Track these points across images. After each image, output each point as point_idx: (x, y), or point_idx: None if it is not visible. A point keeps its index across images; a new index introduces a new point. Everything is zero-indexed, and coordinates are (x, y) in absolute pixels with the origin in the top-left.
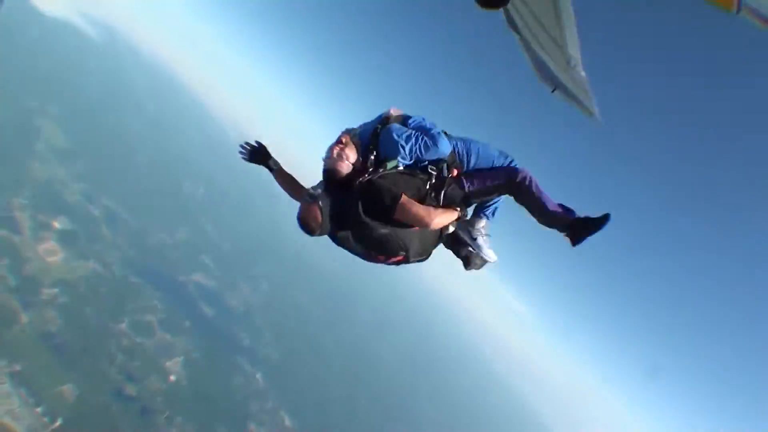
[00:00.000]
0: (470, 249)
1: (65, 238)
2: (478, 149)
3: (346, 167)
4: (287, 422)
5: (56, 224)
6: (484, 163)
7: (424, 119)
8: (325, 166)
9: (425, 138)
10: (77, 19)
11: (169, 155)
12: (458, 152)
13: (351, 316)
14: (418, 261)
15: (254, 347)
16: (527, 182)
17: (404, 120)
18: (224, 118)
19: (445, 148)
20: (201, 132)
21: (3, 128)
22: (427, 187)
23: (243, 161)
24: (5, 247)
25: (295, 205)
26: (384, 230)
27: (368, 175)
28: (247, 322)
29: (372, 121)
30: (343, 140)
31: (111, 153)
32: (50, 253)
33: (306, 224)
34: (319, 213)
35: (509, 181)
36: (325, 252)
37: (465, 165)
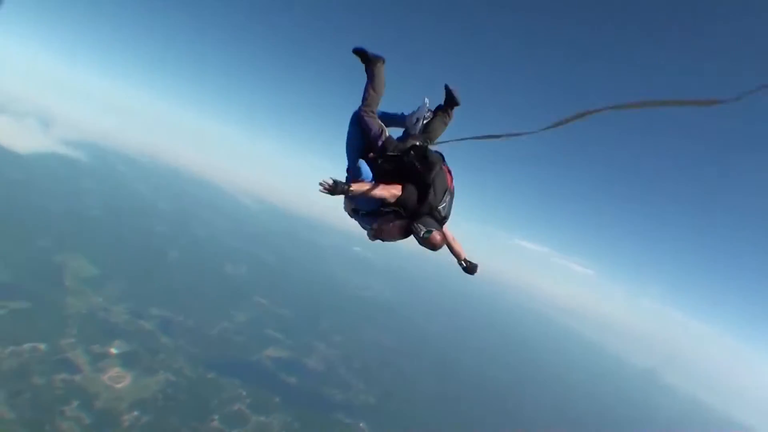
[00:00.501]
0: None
1: (127, 360)
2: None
3: (395, 233)
4: None
5: (113, 350)
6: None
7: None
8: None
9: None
10: (59, 148)
11: (199, 244)
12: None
13: (425, 339)
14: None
15: (348, 399)
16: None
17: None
18: (234, 189)
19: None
20: (220, 212)
21: (26, 274)
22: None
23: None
24: (70, 390)
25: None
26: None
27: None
28: (333, 378)
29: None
30: (379, 227)
31: (142, 263)
32: (117, 379)
33: (442, 244)
34: (443, 232)
35: (358, 113)
36: (381, 285)
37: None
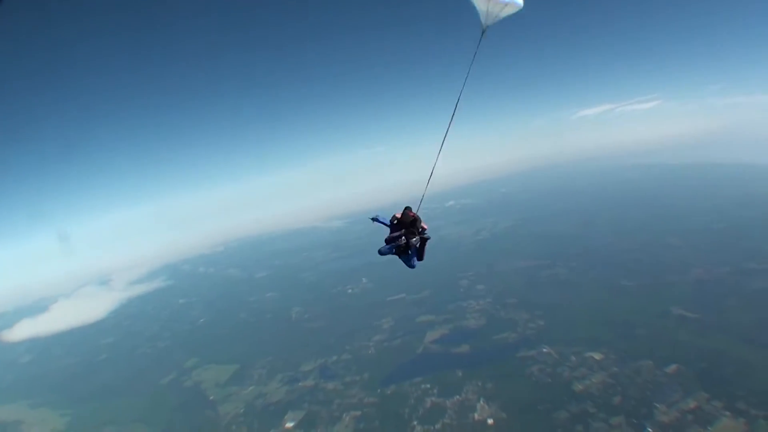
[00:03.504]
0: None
1: (307, 425)
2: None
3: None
4: None
5: (289, 425)
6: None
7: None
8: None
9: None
10: (132, 291)
11: (312, 287)
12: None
13: (555, 244)
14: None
15: (521, 334)
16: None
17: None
18: (313, 221)
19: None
20: (315, 249)
21: (167, 412)
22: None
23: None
24: None
25: None
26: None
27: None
28: (498, 324)
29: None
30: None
31: (270, 334)
32: None
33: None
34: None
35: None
36: (493, 221)
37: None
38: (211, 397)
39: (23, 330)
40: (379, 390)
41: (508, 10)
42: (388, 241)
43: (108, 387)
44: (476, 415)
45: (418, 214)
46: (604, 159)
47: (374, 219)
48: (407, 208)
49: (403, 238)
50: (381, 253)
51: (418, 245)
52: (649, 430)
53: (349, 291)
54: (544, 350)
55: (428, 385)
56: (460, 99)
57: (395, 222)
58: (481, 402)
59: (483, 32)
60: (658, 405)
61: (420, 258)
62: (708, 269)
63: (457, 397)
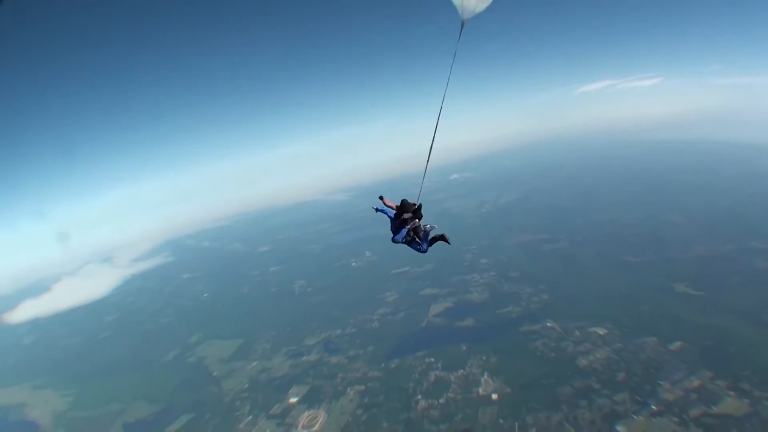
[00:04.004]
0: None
1: (312, 399)
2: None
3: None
4: None
5: (293, 400)
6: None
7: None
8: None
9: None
10: (134, 268)
11: (317, 259)
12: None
13: (560, 220)
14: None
15: (525, 308)
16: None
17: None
18: (318, 194)
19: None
20: (319, 221)
21: (172, 388)
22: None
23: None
24: None
25: None
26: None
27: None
28: (501, 298)
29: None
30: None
31: (273, 308)
32: (312, 422)
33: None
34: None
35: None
36: (497, 195)
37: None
38: (215, 373)
39: (26, 311)
40: (383, 364)
41: (481, 5)
42: (396, 229)
43: (111, 365)
44: (480, 390)
45: (421, 189)
46: (606, 135)
47: (377, 209)
48: (404, 201)
49: (417, 221)
50: (394, 241)
51: (430, 233)
52: (653, 407)
53: (353, 264)
54: (548, 325)
55: (432, 359)
56: (447, 88)
57: (395, 210)
58: (485, 376)
59: (462, 25)
60: (662, 382)
61: (431, 244)
62: (710, 247)
63: (461, 371)
